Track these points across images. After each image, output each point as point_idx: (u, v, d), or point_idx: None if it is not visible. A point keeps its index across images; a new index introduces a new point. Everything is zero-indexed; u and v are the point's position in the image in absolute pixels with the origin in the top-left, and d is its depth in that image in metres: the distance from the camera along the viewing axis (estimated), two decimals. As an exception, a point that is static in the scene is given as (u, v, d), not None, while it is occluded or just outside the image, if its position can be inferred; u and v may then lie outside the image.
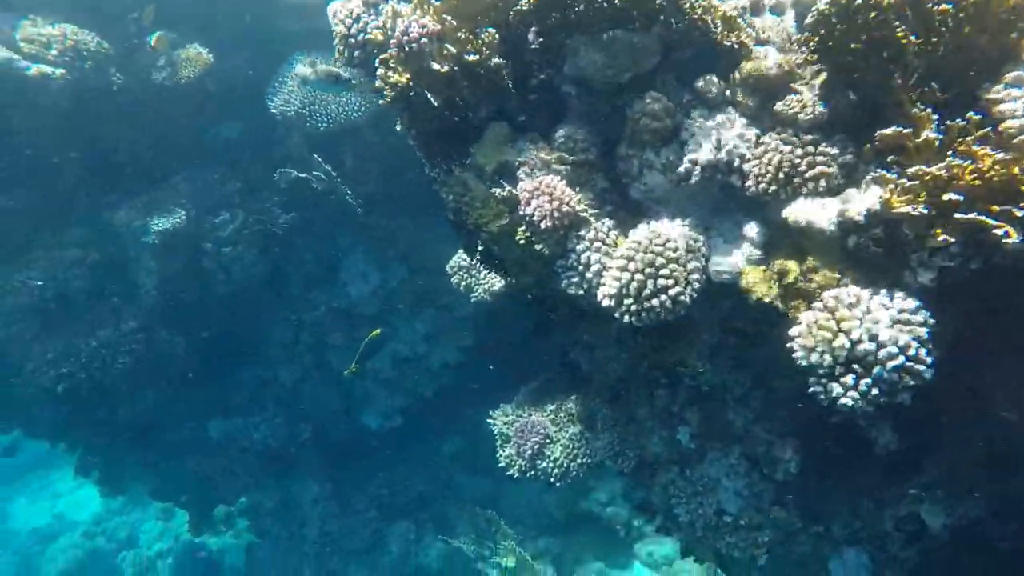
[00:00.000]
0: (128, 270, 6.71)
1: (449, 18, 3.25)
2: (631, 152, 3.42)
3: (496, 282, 5.44)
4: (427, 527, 8.85)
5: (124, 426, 7.68)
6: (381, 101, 3.56)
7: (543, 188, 3.36)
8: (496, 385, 9.37)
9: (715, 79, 3.25)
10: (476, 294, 5.56)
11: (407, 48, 3.22)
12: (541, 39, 3.36)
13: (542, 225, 3.33)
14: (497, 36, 3.24)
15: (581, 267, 3.39)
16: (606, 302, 3.27)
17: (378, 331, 5.86)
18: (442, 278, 8.45)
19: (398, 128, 3.71)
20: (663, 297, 3.14)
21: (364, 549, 8.44)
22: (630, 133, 3.35)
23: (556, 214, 3.32)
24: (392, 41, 3.24)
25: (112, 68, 6.16)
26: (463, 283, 5.62)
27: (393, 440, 8.96)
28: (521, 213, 3.42)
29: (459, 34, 3.28)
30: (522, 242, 3.48)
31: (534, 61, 3.50)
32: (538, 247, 3.43)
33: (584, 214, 3.41)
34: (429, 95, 3.32)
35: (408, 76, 3.32)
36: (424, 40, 3.20)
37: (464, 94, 3.46)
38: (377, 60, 3.43)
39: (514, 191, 3.44)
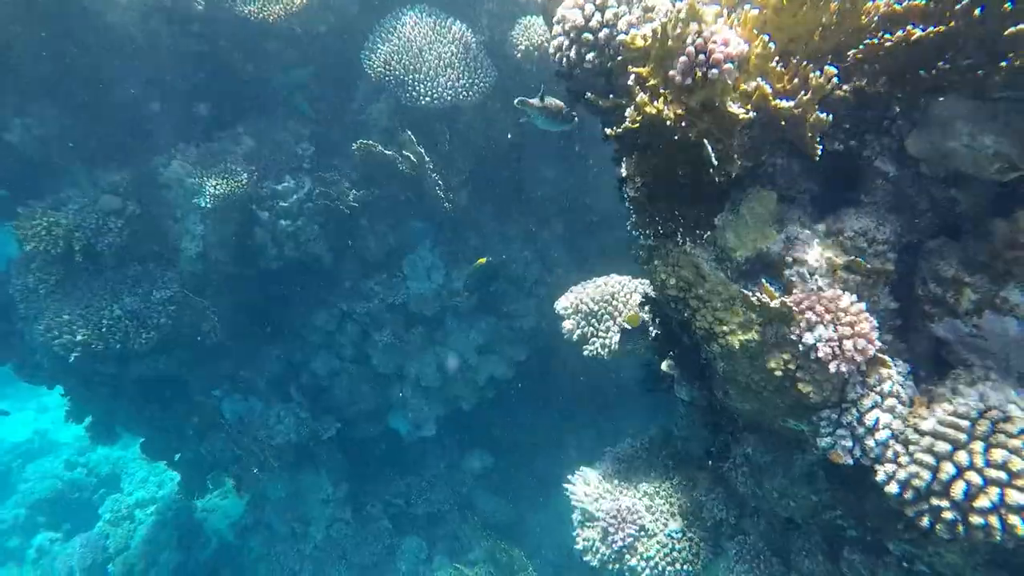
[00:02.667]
0: (169, 230, 5.51)
1: (766, 38, 2.09)
2: (967, 278, 2.30)
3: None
4: (439, 547, 7.88)
5: (131, 382, 6.58)
6: (609, 130, 2.40)
7: (835, 311, 2.25)
8: (541, 411, 8.43)
9: None
10: (592, 347, 4.47)
11: (698, 73, 2.06)
12: (893, 94, 2.21)
13: (830, 368, 2.22)
14: (835, 80, 2.08)
15: (861, 429, 2.30)
16: (893, 489, 2.20)
17: (483, 260, 5.75)
18: (509, 285, 7.41)
19: (622, 173, 2.55)
20: (992, 519, 2.06)
21: (371, 564, 7.46)
22: (988, 256, 2.23)
23: (852, 355, 2.21)
24: (681, 59, 2.07)
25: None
26: (577, 331, 4.52)
27: (420, 448, 7.94)
28: (792, 337, 2.31)
29: (773, 65, 2.12)
30: (778, 373, 2.37)
31: (851, 119, 2.36)
32: (804, 388, 2.33)
33: (884, 357, 2.30)
34: (705, 143, 2.17)
35: (681, 111, 2.16)
36: (728, 66, 2.04)
37: (743, 146, 2.31)
38: (632, 76, 2.26)
39: (787, 302, 2.31)
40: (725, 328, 2.44)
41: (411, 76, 5.50)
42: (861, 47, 2.13)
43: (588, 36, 2.37)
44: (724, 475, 3.75)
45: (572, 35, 2.40)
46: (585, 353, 4.53)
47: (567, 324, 4.57)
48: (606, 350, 4.43)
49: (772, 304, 2.30)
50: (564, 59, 2.47)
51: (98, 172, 5.45)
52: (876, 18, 2.10)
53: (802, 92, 2.13)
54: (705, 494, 4.28)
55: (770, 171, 2.58)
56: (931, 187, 2.39)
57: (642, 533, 4.40)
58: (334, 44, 6.16)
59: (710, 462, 3.96)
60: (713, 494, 4.25)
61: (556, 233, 7.52)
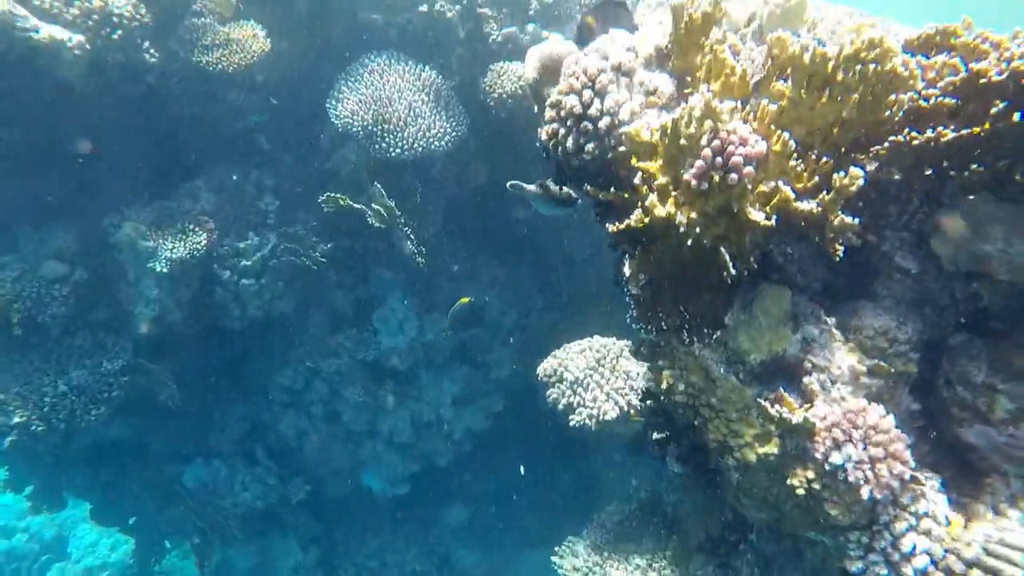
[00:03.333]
0: (121, 294, 5.10)
1: (786, 136, 1.89)
2: (1001, 385, 2.12)
3: (611, 412, 4.10)
4: (417, 612, 7.48)
5: (81, 449, 6.09)
6: (611, 226, 2.17)
7: (864, 427, 2.04)
8: (517, 461, 8.13)
9: None
10: (579, 418, 4.22)
11: (715, 177, 1.85)
12: (915, 189, 2.03)
13: (862, 493, 2.01)
14: (861, 182, 1.89)
15: (896, 555, 2.09)
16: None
17: (465, 299, 5.58)
18: (482, 331, 7.13)
19: (624, 271, 2.31)
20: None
21: (344, 634, 7.03)
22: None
23: (886, 480, 2.00)
24: (696, 164, 1.85)
25: (146, 43, 4.54)
26: (563, 400, 4.27)
27: (394, 506, 7.55)
28: (816, 455, 2.09)
29: (794, 163, 1.92)
30: (800, 492, 2.14)
31: (869, 210, 2.17)
32: (831, 510, 2.11)
33: (919, 476, 2.10)
34: (722, 251, 1.95)
35: (695, 215, 1.94)
36: (748, 170, 1.83)
37: (755, 241, 2.10)
38: (639, 173, 2.04)
39: (809, 417, 2.10)
40: (741, 441, 2.22)
41: (380, 127, 5.23)
42: (886, 145, 1.95)
43: (588, 125, 2.15)
44: (725, 561, 3.52)
45: (569, 123, 2.17)
46: (571, 423, 4.28)
47: (551, 393, 4.33)
48: (593, 421, 4.19)
49: (793, 419, 2.09)
50: (560, 148, 2.24)
51: (42, 234, 5.02)
52: (900, 112, 1.92)
53: (824, 192, 1.94)
54: (700, 567, 4.05)
55: (779, 261, 2.39)
56: (953, 282, 2.23)
57: (638, 612, 4.16)
58: (297, 91, 5.87)
59: (707, 543, 3.73)
60: (709, 567, 4.02)
61: (530, 276, 7.30)
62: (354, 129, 5.28)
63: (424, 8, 5.46)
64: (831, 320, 2.31)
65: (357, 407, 6.61)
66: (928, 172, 2.01)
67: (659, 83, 2.19)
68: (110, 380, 4.96)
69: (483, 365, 7.09)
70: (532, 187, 2.46)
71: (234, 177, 5.73)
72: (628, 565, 4.43)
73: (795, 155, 1.91)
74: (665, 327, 2.38)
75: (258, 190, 5.79)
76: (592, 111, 2.14)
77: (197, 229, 5.04)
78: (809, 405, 2.14)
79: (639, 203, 2.04)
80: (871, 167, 2.05)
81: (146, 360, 5.51)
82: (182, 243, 4.87)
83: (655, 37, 2.24)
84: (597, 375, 4.24)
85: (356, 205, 5.47)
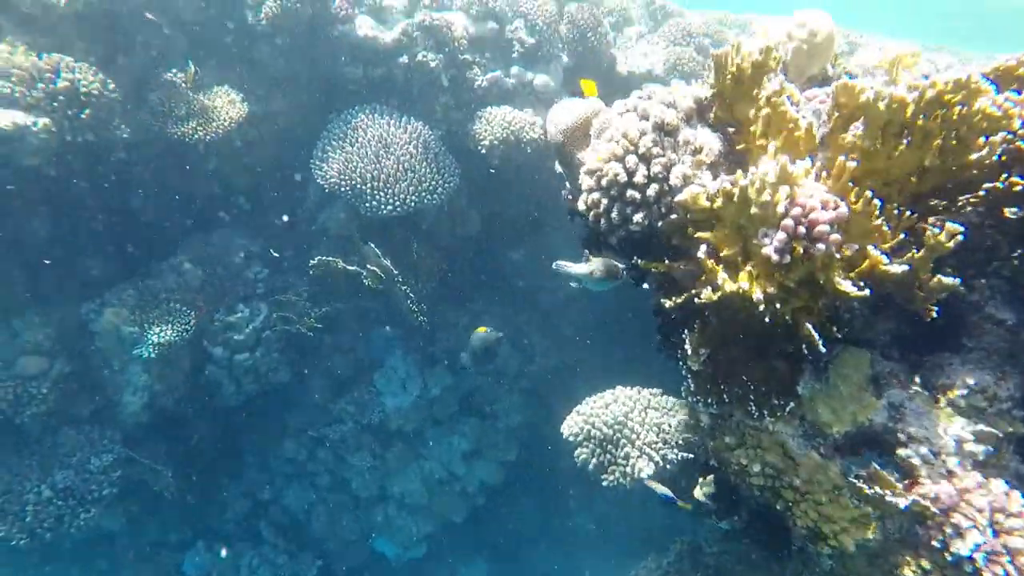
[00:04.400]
0: (106, 383, 4.72)
1: (870, 195, 1.65)
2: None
3: (646, 469, 3.82)
4: None
5: (65, 548, 5.61)
6: (668, 301, 1.92)
7: (987, 510, 1.78)
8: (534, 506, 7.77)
9: None
10: (612, 478, 3.93)
11: (798, 248, 1.60)
12: (1007, 234, 1.81)
13: (997, 583, 1.74)
14: (961, 237, 1.66)
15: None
16: None
17: (484, 328, 5.11)
18: (483, 381, 6.82)
19: (687, 349, 2.05)
20: None
21: None
22: None
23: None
24: (777, 237, 1.61)
25: (116, 119, 4.23)
26: (593, 460, 3.98)
27: (410, 570, 7.13)
28: (933, 543, 1.83)
29: (878, 223, 1.69)
30: (914, 581, 1.87)
31: (953, 258, 1.94)
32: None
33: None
34: (809, 328, 1.70)
35: (774, 289, 1.69)
36: (835, 237, 1.59)
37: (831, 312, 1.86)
38: (701, 245, 1.79)
39: (919, 500, 1.84)
40: (836, 527, 1.95)
41: (369, 185, 4.96)
42: (982, 194, 1.73)
43: (634, 194, 1.90)
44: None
45: (614, 192, 1.92)
46: (604, 483, 3.98)
47: (580, 453, 4.02)
48: (628, 479, 3.89)
49: (899, 503, 1.83)
50: (603, 219, 1.99)
51: (14, 326, 4.63)
52: (991, 156, 1.70)
53: (913, 250, 1.71)
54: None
55: (846, 316, 2.16)
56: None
57: None
58: (279, 153, 5.59)
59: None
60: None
61: (530, 318, 7.03)
62: (342, 189, 5.00)
63: (405, 59, 5.24)
64: (912, 375, 2.07)
65: (365, 473, 6.23)
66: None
67: (704, 140, 1.95)
68: (100, 478, 4.55)
69: (491, 415, 6.77)
70: (582, 268, 2.19)
71: (218, 247, 5.41)
72: (676, 627, 4.13)
73: (877, 216, 1.68)
74: (727, 400, 2.12)
75: (245, 259, 5.46)
76: (638, 179, 1.90)
77: (184, 308, 4.69)
78: (911, 482, 1.88)
79: (704, 277, 1.79)
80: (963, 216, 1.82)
81: (137, 446, 5.11)
82: (169, 325, 4.52)
83: (693, 89, 2.02)
84: (627, 430, 3.95)
85: (350, 268, 5.17)
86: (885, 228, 1.67)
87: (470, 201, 5.73)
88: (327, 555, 6.53)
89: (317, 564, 6.32)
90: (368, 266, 5.11)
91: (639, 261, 1.98)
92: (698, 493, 3.78)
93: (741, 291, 1.71)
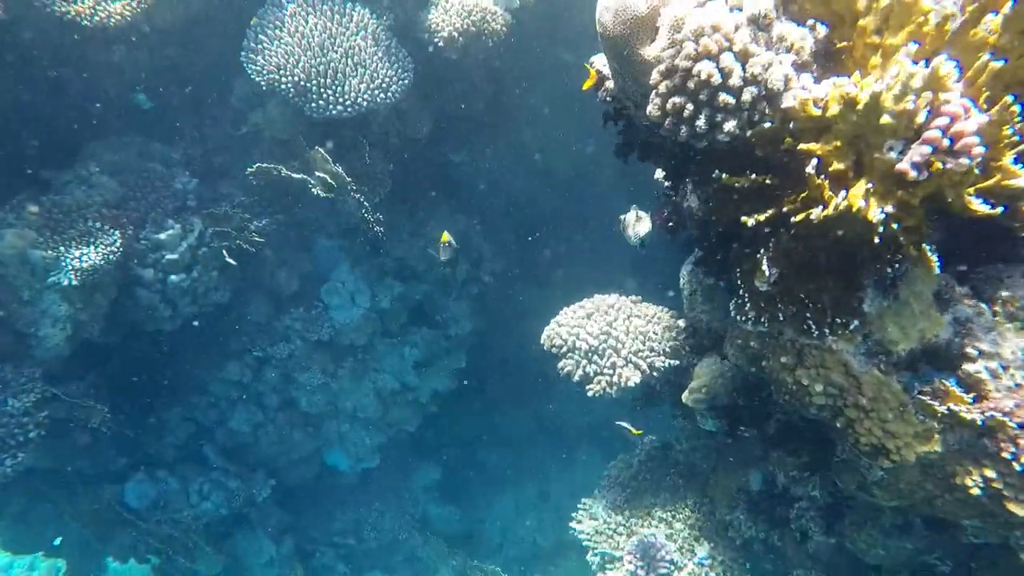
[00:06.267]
0: (15, 316, 4.02)
1: (1010, 99, 1.49)
2: None
3: (633, 378, 3.78)
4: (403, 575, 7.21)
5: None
6: (749, 219, 1.72)
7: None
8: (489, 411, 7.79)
9: None
10: (598, 387, 3.88)
11: (936, 163, 1.43)
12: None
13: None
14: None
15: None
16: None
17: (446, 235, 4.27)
18: (435, 289, 6.54)
19: (765, 272, 1.88)
20: None
21: (334, 615, 6.64)
22: None
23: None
24: (919, 149, 1.41)
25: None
26: (578, 371, 3.89)
27: (363, 480, 7.08)
28: (1004, 455, 1.85)
29: (1008, 131, 1.54)
30: (975, 491, 1.91)
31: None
32: (1015, 509, 1.89)
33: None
34: (928, 253, 1.57)
35: (893, 208, 1.52)
36: (979, 150, 1.42)
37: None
38: (812, 160, 1.58)
39: (996, 415, 1.84)
40: (899, 442, 1.94)
41: (315, 81, 4.32)
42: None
43: (728, 99, 1.64)
44: (779, 516, 3.40)
45: (703, 96, 1.64)
46: (589, 393, 3.93)
47: (565, 365, 3.92)
48: (614, 388, 3.86)
49: (974, 417, 1.83)
50: (683, 128, 1.72)
51: None
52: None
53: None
54: (728, 512, 3.96)
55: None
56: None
57: (672, 568, 4.05)
58: (195, 41, 4.74)
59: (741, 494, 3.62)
60: (738, 512, 3.94)
61: (474, 224, 6.74)
62: (283, 86, 4.33)
63: (344, -71, 4.46)
64: (960, 287, 2.03)
65: (316, 391, 5.93)
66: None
67: (798, 37, 1.70)
68: (24, 420, 3.99)
69: (441, 324, 6.57)
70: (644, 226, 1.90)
71: (131, 154, 4.62)
72: (651, 519, 4.29)
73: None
74: (784, 319, 2.02)
75: (166, 166, 4.73)
76: (734, 81, 1.63)
77: (105, 226, 4.01)
78: (980, 397, 1.88)
79: (806, 194, 1.60)
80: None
81: (60, 383, 4.52)
82: (91, 247, 3.86)
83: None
84: (611, 339, 3.88)
85: (296, 176, 4.59)
86: (1016, 138, 1.54)
87: (420, 101, 5.18)
88: (277, 473, 6.30)
89: (271, 483, 6.08)
90: (317, 173, 4.56)
91: (721, 175, 1.76)
92: (686, 397, 3.81)
93: (858, 209, 1.54)
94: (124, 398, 5.30)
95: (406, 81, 4.58)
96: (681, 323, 4.06)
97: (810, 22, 1.72)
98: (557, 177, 6.67)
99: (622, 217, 3.45)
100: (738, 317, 2.13)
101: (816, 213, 1.59)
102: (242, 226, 4.84)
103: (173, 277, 4.51)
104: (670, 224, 2.95)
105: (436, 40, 4.61)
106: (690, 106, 1.69)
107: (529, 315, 7.48)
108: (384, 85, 4.48)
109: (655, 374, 3.83)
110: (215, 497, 5.60)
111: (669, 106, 1.73)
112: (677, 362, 3.84)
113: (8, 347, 4.21)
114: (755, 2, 1.66)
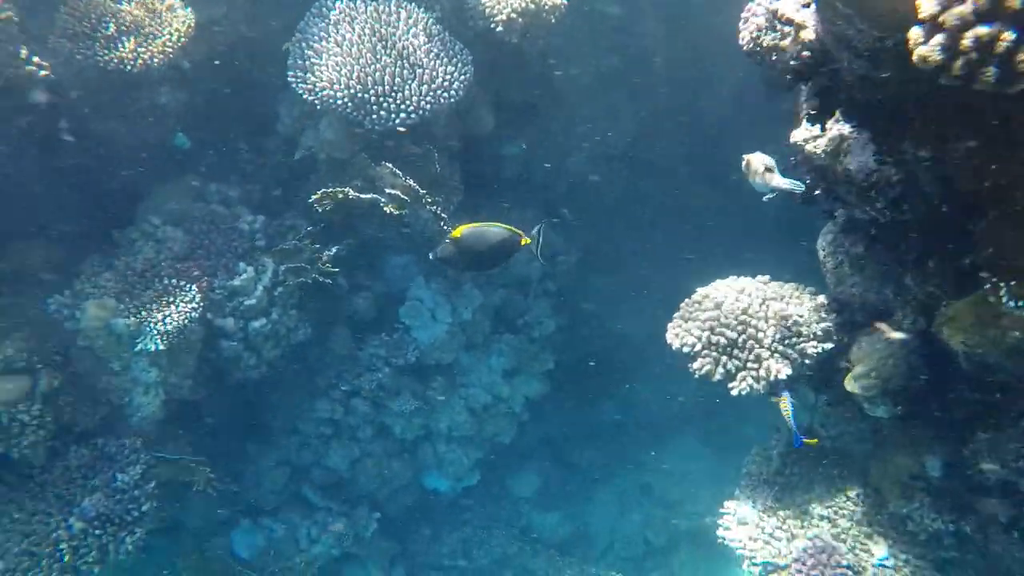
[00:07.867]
0: (107, 388, 3.78)
1: None
2: None
3: (784, 370, 3.32)
4: (517, 592, 6.91)
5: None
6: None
7: None
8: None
9: None
10: (742, 385, 3.43)
11: None
12: None
13: None
14: None
15: None
16: None
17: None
18: (515, 293, 6.16)
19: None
20: None
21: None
22: None
23: None
24: None
25: (23, 48, 3.02)
26: (719, 370, 3.44)
27: (466, 498, 6.80)
28: None
29: None
30: None
31: None
32: None
33: None
34: None
35: None
36: None
37: None
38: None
39: None
40: None
41: (371, 91, 3.94)
42: None
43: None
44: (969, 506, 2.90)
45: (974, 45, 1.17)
46: (733, 392, 3.49)
47: (703, 365, 3.47)
48: (762, 384, 3.40)
49: None
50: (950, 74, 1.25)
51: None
52: None
53: None
54: (905, 504, 3.48)
55: None
56: None
57: (851, 573, 3.58)
58: (235, 70, 4.41)
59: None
60: (915, 503, 3.45)
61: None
62: (339, 101, 3.95)
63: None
64: None
65: (408, 416, 5.62)
66: None
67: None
68: (135, 493, 3.76)
69: (524, 327, 6.19)
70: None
71: (189, 198, 4.33)
72: (811, 519, 3.82)
73: None
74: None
75: (226, 206, 4.43)
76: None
77: (181, 281, 3.72)
78: None
79: None
80: None
81: (157, 447, 4.30)
82: (171, 307, 3.57)
83: None
84: (751, 329, 3.41)
85: (365, 196, 4.23)
86: None
87: (479, 96, 4.76)
88: (379, 503, 6.06)
89: (376, 517, 5.83)
90: (387, 190, 4.19)
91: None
92: (851, 385, 3.33)
93: None
94: (219, 451, 5.09)
95: (467, 76, 4.16)
96: (822, 299, 3.58)
97: None
98: (615, 156, 6.23)
99: (746, 158, 2.93)
100: (1012, 303, 1.67)
101: None
102: (314, 258, 4.52)
103: (255, 323, 4.23)
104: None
105: (493, 25, 4.17)
106: (961, 59, 1.22)
107: (609, 303, 7.06)
108: (446, 84, 4.07)
109: (807, 362, 3.36)
110: (325, 539, 5.37)
111: (933, 50, 1.26)
112: (831, 345, 3.36)
113: (105, 419, 4.00)
114: None
